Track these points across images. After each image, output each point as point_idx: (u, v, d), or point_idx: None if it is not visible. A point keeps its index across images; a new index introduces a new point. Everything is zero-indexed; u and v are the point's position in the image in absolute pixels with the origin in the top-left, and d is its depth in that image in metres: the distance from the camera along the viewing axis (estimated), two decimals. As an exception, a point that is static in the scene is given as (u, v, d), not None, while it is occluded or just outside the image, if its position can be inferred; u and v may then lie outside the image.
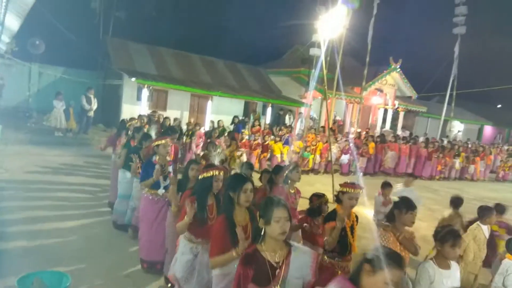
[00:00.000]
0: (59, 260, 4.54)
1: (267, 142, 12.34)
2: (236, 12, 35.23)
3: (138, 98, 15.13)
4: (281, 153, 12.43)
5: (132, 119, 8.10)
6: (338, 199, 3.62)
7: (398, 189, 6.41)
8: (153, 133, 5.27)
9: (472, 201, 10.92)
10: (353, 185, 3.52)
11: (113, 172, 6.46)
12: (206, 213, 3.27)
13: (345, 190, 3.53)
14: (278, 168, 4.87)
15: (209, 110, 16.52)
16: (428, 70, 25.31)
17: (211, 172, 3.30)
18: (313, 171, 13.05)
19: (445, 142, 18.53)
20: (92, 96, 13.85)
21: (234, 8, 34.51)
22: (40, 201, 6.63)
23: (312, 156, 12.90)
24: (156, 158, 4.55)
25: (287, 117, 18.53)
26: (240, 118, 16.46)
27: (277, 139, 12.58)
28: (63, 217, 6.02)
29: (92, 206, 6.77)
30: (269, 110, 17.80)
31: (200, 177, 3.37)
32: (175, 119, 11.71)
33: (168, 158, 4.69)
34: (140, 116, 9.40)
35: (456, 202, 5.57)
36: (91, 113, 13.93)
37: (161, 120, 11.45)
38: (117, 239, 5.47)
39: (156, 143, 4.58)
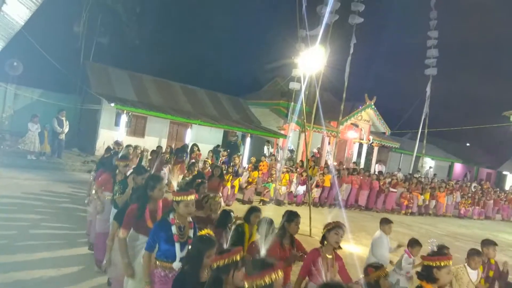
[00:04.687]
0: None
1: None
2: (218, 43, 36.08)
3: (116, 123, 15.00)
4: (232, 186, 11.57)
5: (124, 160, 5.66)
6: (430, 277, 2.90)
7: (376, 236, 5.54)
8: (163, 181, 3.84)
9: (445, 237, 11.21)
10: (447, 256, 2.95)
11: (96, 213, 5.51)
12: None
13: (442, 263, 2.86)
14: (291, 215, 3.90)
15: (188, 138, 16.50)
16: (401, 108, 26.41)
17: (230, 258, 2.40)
18: (275, 201, 12.65)
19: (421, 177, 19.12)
20: (64, 119, 13.49)
21: (217, 39, 35.37)
22: (9, 227, 6.35)
23: (274, 185, 12.61)
24: (173, 216, 3.34)
25: (265, 147, 18.69)
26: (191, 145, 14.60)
27: (229, 169, 11.85)
28: (33, 247, 5.69)
29: (66, 236, 6.49)
30: (248, 140, 17.95)
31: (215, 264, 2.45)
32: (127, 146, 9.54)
33: (189, 219, 3.45)
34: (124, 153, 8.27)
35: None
36: (63, 136, 13.49)
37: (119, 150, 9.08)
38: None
39: (177, 198, 3.31)
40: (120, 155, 6.06)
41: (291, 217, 3.87)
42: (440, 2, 21.99)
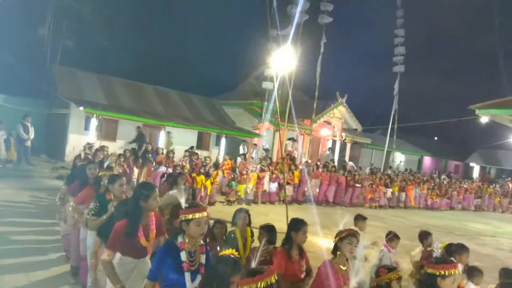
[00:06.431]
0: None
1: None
2: (190, 43, 35.79)
3: (86, 128, 14.61)
4: (205, 187, 11.14)
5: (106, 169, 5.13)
6: (433, 286, 2.71)
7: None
8: (182, 198, 3.08)
9: (416, 229, 11.55)
10: (453, 264, 2.77)
11: (74, 229, 4.93)
12: None
13: (447, 272, 2.69)
14: (298, 223, 3.58)
15: (162, 141, 16.28)
16: (372, 105, 27.10)
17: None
18: (245, 201, 12.41)
19: (389, 171, 19.71)
20: (29, 125, 13.04)
21: (188, 40, 35.08)
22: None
23: (245, 185, 12.42)
24: (183, 239, 2.77)
25: (241, 147, 18.70)
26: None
27: (201, 170, 11.38)
28: (3, 267, 5.23)
29: (39, 250, 6.06)
30: (223, 141, 17.90)
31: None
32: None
33: (200, 241, 2.88)
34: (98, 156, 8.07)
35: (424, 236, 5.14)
36: (28, 143, 13.04)
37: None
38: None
39: (186, 217, 2.73)
40: (106, 164, 5.74)
41: (298, 226, 3.53)
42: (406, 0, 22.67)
